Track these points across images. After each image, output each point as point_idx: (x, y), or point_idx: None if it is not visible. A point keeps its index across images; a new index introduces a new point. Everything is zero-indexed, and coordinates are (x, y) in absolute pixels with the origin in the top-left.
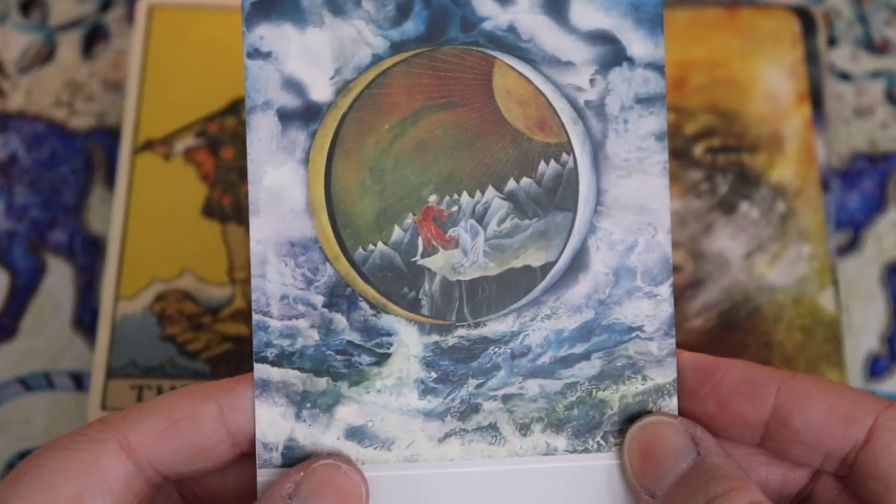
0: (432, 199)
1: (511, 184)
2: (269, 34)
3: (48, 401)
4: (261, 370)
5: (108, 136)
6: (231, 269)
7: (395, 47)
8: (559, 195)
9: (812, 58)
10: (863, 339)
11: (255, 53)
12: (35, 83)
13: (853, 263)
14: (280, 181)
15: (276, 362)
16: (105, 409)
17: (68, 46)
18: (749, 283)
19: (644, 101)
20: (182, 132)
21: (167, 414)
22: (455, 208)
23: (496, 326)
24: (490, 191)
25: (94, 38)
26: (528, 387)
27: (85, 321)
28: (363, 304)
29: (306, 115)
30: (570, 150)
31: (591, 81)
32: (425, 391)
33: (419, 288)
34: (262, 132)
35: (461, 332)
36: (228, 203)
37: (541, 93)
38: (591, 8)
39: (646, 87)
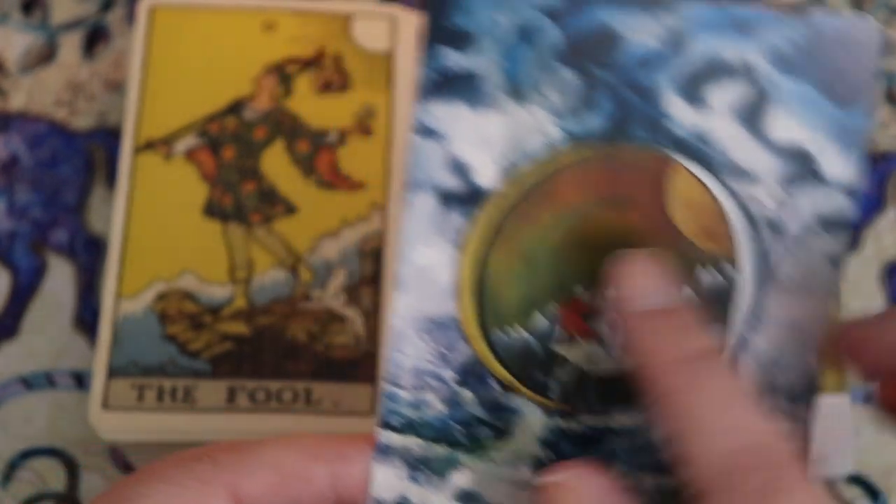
0: (581, 292)
1: None
2: (442, 112)
3: (49, 400)
4: (384, 435)
5: (109, 135)
6: (231, 268)
7: (573, 139)
8: (714, 306)
9: None
10: None
11: (424, 130)
12: (36, 83)
13: (853, 263)
14: (430, 260)
15: (400, 430)
16: (106, 409)
17: (69, 46)
18: None
19: (828, 223)
20: (183, 132)
21: (278, 468)
22: (602, 304)
23: (622, 419)
24: None
25: (95, 38)
26: (645, 480)
27: (86, 320)
28: (493, 383)
29: (467, 198)
30: (736, 263)
31: (774, 196)
32: (540, 468)
33: (551, 374)
34: (418, 210)
35: (586, 419)
36: (229, 203)
37: (717, 202)
38: (790, 121)
39: (832, 209)
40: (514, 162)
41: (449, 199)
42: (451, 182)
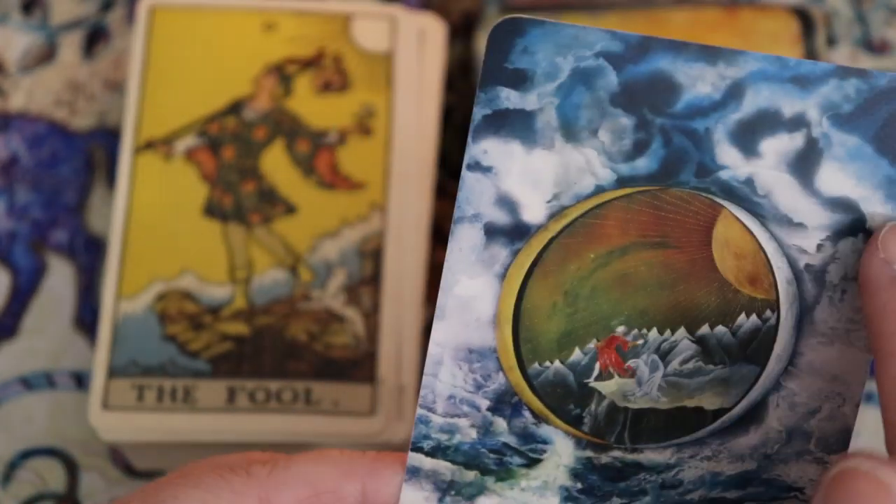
0: (620, 329)
1: (704, 329)
2: (495, 149)
3: (49, 400)
4: (415, 458)
5: (109, 135)
6: (231, 268)
7: (622, 182)
8: (751, 349)
9: (811, 58)
10: None
11: (476, 166)
12: (36, 83)
13: None
14: (472, 291)
15: (431, 454)
16: (106, 409)
17: (69, 46)
18: None
19: None
20: (183, 132)
21: (311, 483)
22: (640, 341)
23: (652, 455)
24: (681, 332)
25: (95, 38)
26: None
27: (86, 321)
28: (526, 413)
29: (513, 233)
30: (776, 309)
31: (819, 247)
32: (567, 498)
33: (585, 407)
34: (464, 243)
35: (616, 453)
36: (229, 203)
37: (762, 249)
38: (841, 174)
39: None
40: (562, 201)
41: (495, 232)
42: (498, 216)
